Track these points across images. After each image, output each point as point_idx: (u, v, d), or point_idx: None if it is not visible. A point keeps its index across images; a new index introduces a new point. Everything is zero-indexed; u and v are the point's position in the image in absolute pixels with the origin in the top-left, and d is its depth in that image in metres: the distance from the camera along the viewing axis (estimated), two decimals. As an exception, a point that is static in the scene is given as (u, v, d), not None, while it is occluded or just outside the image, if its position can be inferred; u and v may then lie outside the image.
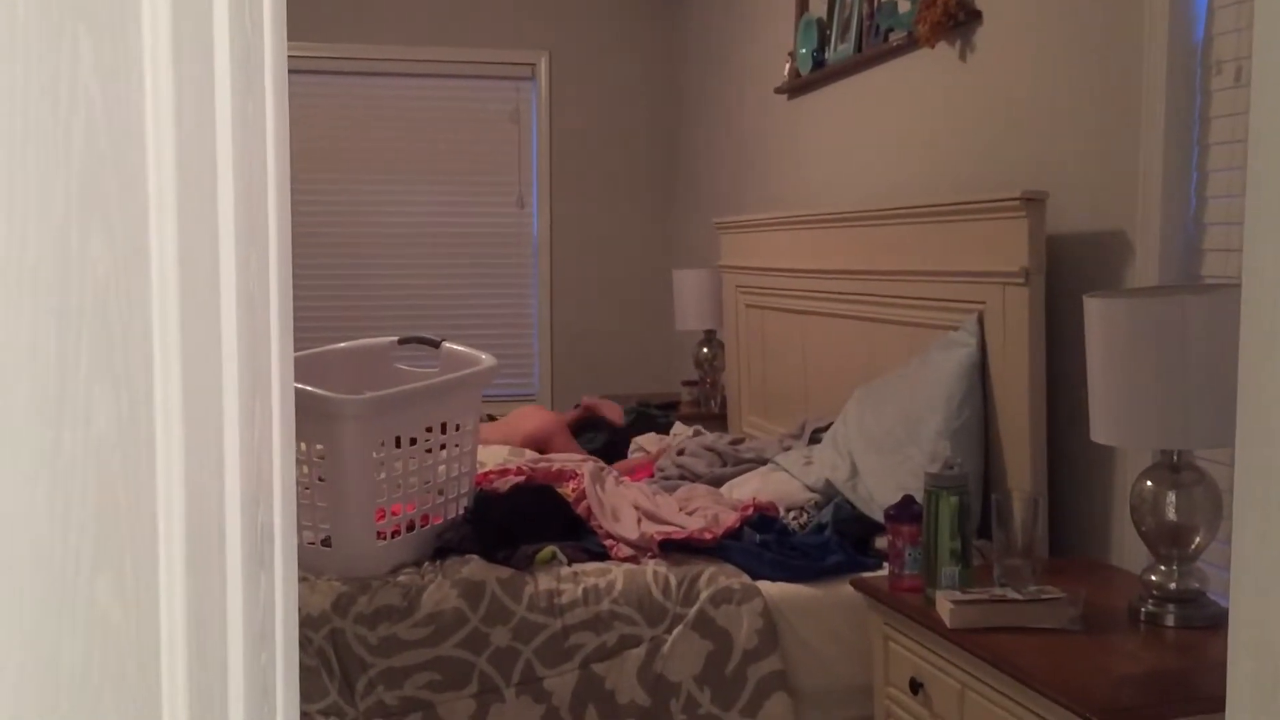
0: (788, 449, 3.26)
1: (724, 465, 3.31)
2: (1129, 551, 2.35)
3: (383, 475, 2.53)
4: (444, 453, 2.69)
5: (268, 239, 0.58)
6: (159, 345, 0.49)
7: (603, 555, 2.59)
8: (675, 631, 2.41)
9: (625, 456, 3.79)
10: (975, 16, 2.94)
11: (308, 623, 2.31)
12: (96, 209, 0.46)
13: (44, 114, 0.43)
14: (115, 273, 0.46)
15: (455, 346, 3.03)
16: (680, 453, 3.47)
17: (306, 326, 5.19)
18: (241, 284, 0.55)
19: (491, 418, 4.08)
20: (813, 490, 2.87)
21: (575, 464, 3.10)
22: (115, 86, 0.46)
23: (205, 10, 0.51)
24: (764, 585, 2.49)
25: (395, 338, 3.17)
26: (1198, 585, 2.01)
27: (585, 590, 2.42)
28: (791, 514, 2.81)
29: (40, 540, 0.44)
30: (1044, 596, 2.02)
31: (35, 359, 0.43)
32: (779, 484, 2.97)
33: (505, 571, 2.46)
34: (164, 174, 0.49)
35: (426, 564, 2.55)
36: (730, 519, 2.68)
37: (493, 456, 3.34)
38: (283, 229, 0.60)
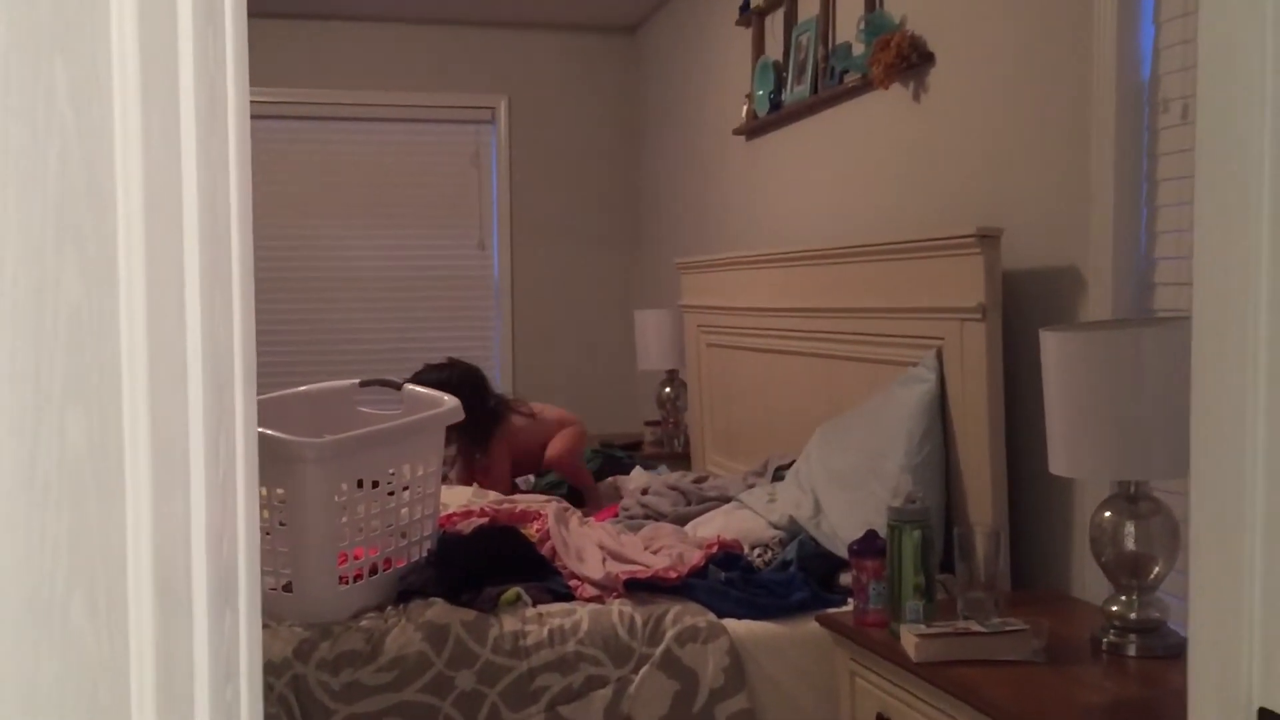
0: (751, 487, 3.27)
1: (688, 504, 3.31)
2: (1090, 582, 2.37)
3: (344, 519, 2.51)
4: (406, 495, 2.68)
5: (231, 275, 0.59)
6: (127, 373, 0.49)
7: (568, 596, 2.58)
8: (642, 671, 2.40)
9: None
10: (928, 58, 2.99)
11: (269, 669, 2.28)
12: (70, 233, 0.46)
13: (24, 136, 0.44)
14: (87, 298, 0.47)
15: (417, 389, 3.02)
16: (644, 492, 3.47)
17: (267, 370, 5.13)
18: (206, 317, 0.56)
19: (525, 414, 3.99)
20: (777, 527, 2.88)
21: (539, 505, 3.08)
22: (88, 116, 0.46)
23: (170, 47, 0.52)
24: (730, 623, 2.48)
25: (357, 380, 3.15)
26: (1158, 615, 2.03)
27: (550, 631, 2.41)
28: (756, 551, 2.81)
29: (18, 556, 0.44)
30: (1007, 629, 2.03)
31: (12, 379, 0.43)
32: (743, 522, 2.97)
33: (469, 614, 2.44)
34: (132, 204, 0.49)
35: (389, 608, 2.52)
36: (695, 557, 2.68)
37: (456, 498, 3.33)
38: (245, 265, 0.61)
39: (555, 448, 3.88)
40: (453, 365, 3.78)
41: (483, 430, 3.71)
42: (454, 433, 3.61)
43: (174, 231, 0.53)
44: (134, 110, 0.49)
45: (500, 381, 5.63)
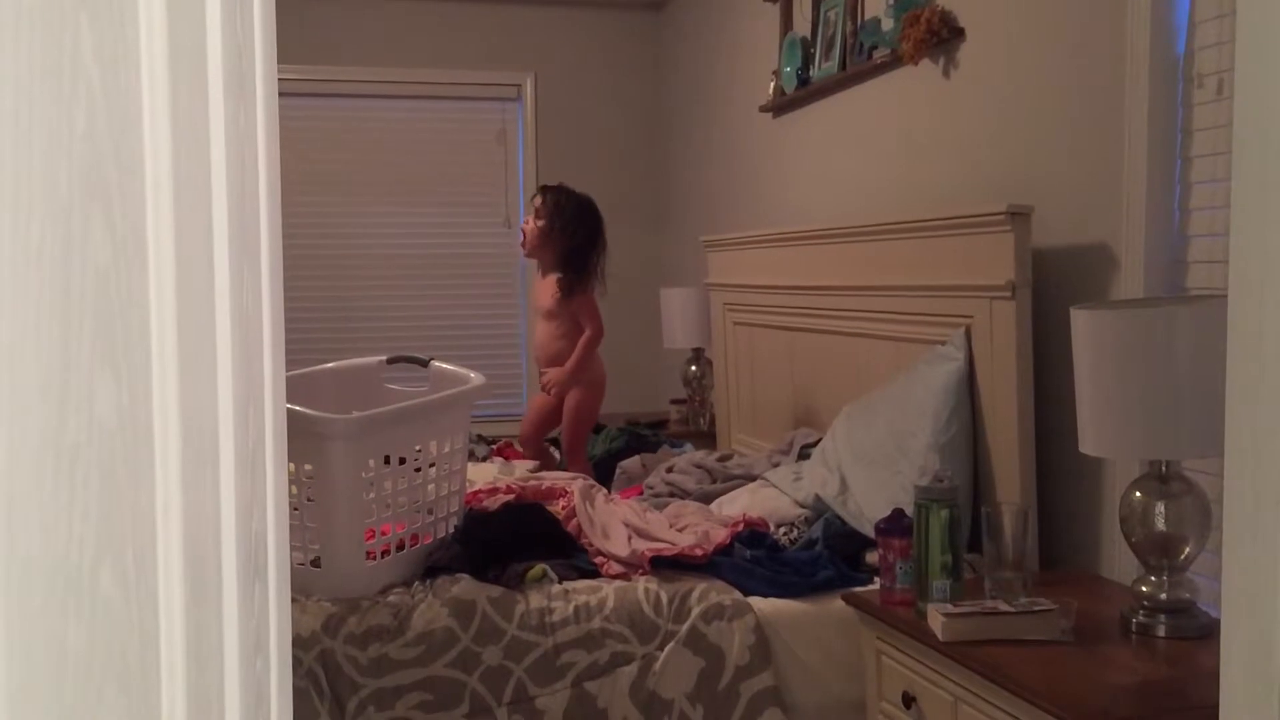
0: (776, 465, 3.26)
1: (713, 482, 3.31)
2: (1119, 562, 2.36)
3: (372, 495, 2.52)
4: (433, 471, 2.69)
5: (260, 246, 0.59)
6: (156, 341, 0.49)
7: (593, 573, 2.58)
8: (667, 649, 2.41)
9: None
10: (958, 33, 2.96)
11: (297, 644, 2.29)
12: (98, 196, 0.46)
13: (48, 96, 0.44)
14: (115, 263, 0.47)
15: (444, 365, 3.03)
16: (669, 470, 3.47)
17: (295, 347, 5.17)
18: (235, 288, 0.56)
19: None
20: (803, 506, 2.87)
21: (565, 482, 3.09)
22: (114, 76, 0.46)
23: (198, 10, 0.52)
24: (755, 601, 2.48)
25: (384, 357, 3.16)
26: (1188, 596, 2.01)
27: (576, 608, 2.42)
28: (782, 530, 2.81)
29: (47, 521, 0.44)
30: (1035, 608, 2.02)
31: (40, 339, 0.43)
32: (769, 500, 2.97)
33: (496, 590, 2.45)
34: (160, 169, 0.49)
35: (416, 584, 2.54)
36: (721, 535, 2.68)
37: (483, 474, 3.34)
38: (274, 237, 0.61)
39: (568, 418, 3.89)
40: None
41: (586, 267, 3.86)
42: (561, 257, 3.80)
43: (202, 199, 0.53)
44: (161, 72, 0.49)
45: (526, 358, 5.65)
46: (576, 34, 5.64)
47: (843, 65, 3.58)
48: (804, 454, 3.26)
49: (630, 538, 2.69)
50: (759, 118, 4.36)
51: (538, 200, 3.88)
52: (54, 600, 0.45)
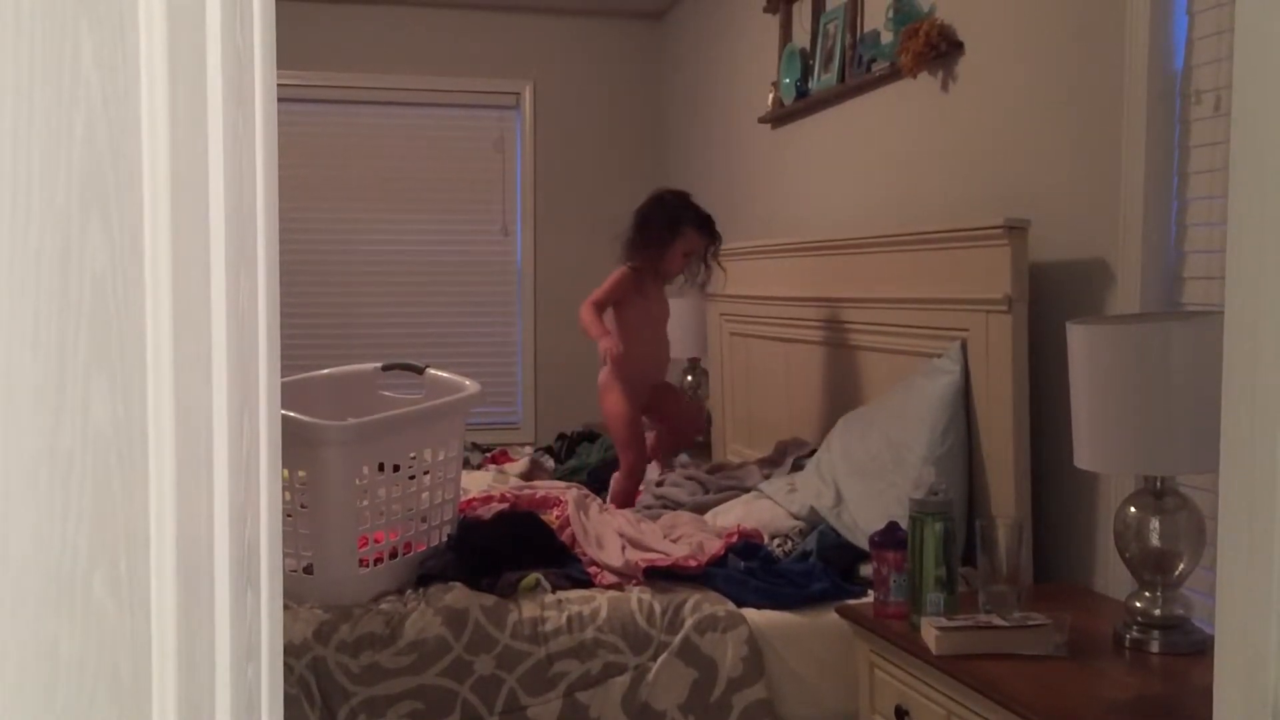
0: (767, 476, 3.26)
1: (707, 493, 3.31)
2: (1113, 577, 2.36)
3: (365, 502, 2.52)
4: (427, 479, 2.68)
5: (256, 253, 0.59)
6: (152, 347, 0.49)
7: (587, 583, 2.58)
8: (660, 659, 2.40)
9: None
10: (957, 47, 2.96)
11: (289, 651, 2.29)
12: (96, 201, 0.46)
13: (48, 101, 0.43)
14: (113, 268, 0.47)
15: (439, 373, 3.02)
16: (660, 484, 3.46)
17: (290, 353, 5.16)
18: (231, 294, 0.56)
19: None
20: (797, 517, 2.87)
21: (559, 491, 3.09)
22: (114, 82, 0.46)
23: (198, 17, 0.52)
24: (749, 613, 2.48)
25: (379, 364, 3.16)
26: (1182, 611, 2.01)
27: (569, 618, 2.41)
28: (776, 541, 2.80)
29: (41, 528, 0.44)
30: (1029, 623, 2.02)
31: (37, 344, 0.43)
32: (763, 511, 2.96)
33: (489, 599, 2.44)
34: (159, 176, 0.49)
35: (409, 592, 2.53)
36: (715, 546, 2.67)
37: (477, 483, 3.33)
38: (270, 243, 0.61)
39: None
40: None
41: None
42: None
43: (200, 206, 0.53)
44: (161, 78, 0.49)
45: (522, 367, 5.65)
46: (576, 43, 5.65)
47: (841, 77, 3.59)
48: (798, 465, 3.26)
49: (624, 548, 2.68)
50: (758, 129, 4.36)
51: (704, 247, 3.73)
52: (47, 607, 0.45)
